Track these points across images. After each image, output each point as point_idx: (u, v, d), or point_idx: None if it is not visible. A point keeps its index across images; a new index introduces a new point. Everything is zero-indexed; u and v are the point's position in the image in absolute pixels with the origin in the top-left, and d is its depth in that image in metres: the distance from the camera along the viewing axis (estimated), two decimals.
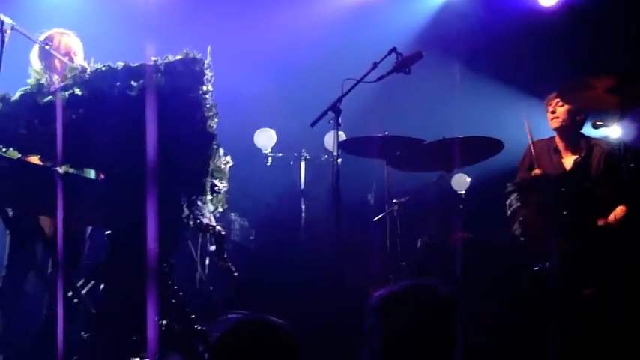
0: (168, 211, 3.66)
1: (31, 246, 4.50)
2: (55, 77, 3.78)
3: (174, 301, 3.80)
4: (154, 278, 3.49)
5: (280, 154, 6.91)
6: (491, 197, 5.45)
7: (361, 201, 6.89)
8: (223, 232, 4.14)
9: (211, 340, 3.42)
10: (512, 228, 4.94)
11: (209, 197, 3.96)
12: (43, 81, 3.71)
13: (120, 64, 3.70)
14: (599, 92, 4.63)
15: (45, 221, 4.08)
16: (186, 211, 3.83)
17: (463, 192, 6.04)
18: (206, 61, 3.77)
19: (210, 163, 3.82)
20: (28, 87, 3.69)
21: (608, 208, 4.87)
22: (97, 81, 3.67)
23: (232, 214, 6.55)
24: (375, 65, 4.71)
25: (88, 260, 4.96)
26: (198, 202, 3.92)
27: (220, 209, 4.12)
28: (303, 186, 6.88)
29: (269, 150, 6.81)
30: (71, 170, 3.74)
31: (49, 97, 3.64)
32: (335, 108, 4.68)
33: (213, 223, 4.06)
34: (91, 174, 4.25)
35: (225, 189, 4.04)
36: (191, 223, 3.86)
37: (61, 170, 3.62)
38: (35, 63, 4.84)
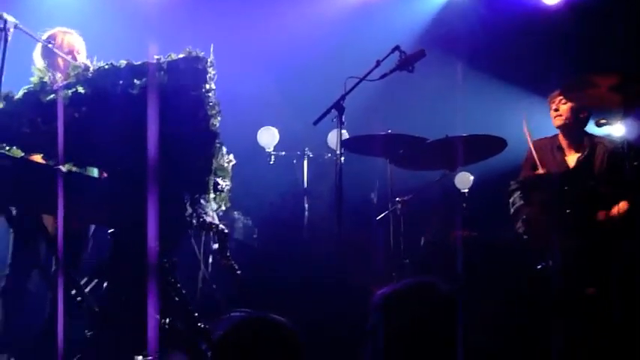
0: (171, 210, 3.66)
1: (34, 244, 4.51)
2: (58, 76, 3.78)
3: (177, 299, 3.80)
4: (156, 276, 3.50)
5: (283, 153, 6.91)
6: (495, 195, 5.44)
7: (364, 199, 6.89)
8: (226, 231, 4.14)
9: (214, 339, 3.42)
10: (515, 226, 4.93)
11: (212, 195, 3.96)
12: (46, 79, 3.70)
13: (123, 63, 3.70)
14: (603, 90, 4.62)
15: (48, 220, 4.08)
16: (190, 210, 3.82)
17: (466, 190, 6.04)
18: (209, 60, 3.76)
19: (213, 161, 3.81)
20: (31, 85, 3.69)
21: (611, 206, 4.86)
22: (99, 79, 3.67)
23: (235, 212, 6.55)
24: (378, 63, 4.71)
25: (92, 259, 4.96)
26: (202, 201, 3.92)
27: (223, 207, 4.12)
28: (306, 184, 6.88)
29: (272, 148, 6.82)
30: (74, 169, 3.74)
31: (52, 96, 3.64)
32: (338, 106, 4.68)
33: (217, 221, 4.06)
34: (94, 172, 4.26)
35: (228, 187, 4.04)
36: (194, 221, 3.86)
37: (63, 169, 3.62)
38: (38, 61, 4.85)
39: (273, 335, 2.41)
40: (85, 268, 4.73)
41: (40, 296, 4.68)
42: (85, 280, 4.02)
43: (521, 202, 4.88)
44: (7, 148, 3.65)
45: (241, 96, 6.41)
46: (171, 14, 7.22)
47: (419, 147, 5.48)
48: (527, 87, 7.09)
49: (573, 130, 5.44)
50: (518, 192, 4.95)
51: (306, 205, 6.83)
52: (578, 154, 5.40)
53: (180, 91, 3.69)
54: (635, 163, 4.55)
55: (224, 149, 3.96)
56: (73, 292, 3.79)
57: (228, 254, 4.14)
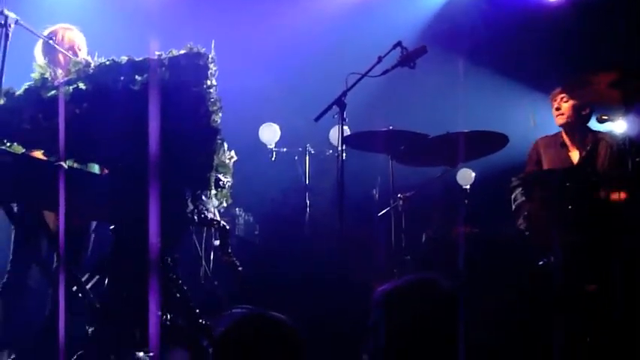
0: (173, 206, 3.65)
1: (35, 241, 4.51)
2: (59, 72, 3.77)
3: (178, 295, 3.80)
4: (158, 273, 3.49)
5: (285, 149, 6.92)
6: (496, 192, 5.44)
7: (366, 195, 6.89)
8: (228, 227, 4.13)
9: (215, 335, 3.42)
10: (516, 222, 4.93)
11: (213, 192, 3.95)
12: (47, 75, 3.69)
13: (124, 59, 3.69)
14: (602, 87, 4.62)
15: (49, 216, 4.08)
16: (191, 206, 3.82)
17: (468, 187, 6.04)
18: (210, 56, 3.75)
19: (215, 157, 3.80)
20: (32, 82, 3.69)
21: (613, 202, 4.85)
22: (100, 75, 3.66)
23: (237, 208, 6.56)
24: (380, 59, 4.71)
25: (94, 255, 4.96)
26: (203, 197, 3.91)
27: (225, 204, 4.11)
28: (307, 181, 6.89)
29: (273, 145, 6.82)
30: (75, 165, 3.74)
31: (53, 92, 3.63)
32: (339, 102, 4.68)
33: (218, 217, 4.06)
34: (95, 168, 4.25)
35: (229, 184, 4.03)
36: (195, 217, 3.85)
37: (65, 165, 3.62)
38: (39, 58, 4.85)
39: (273, 332, 2.41)
40: (87, 264, 4.73)
41: (41, 293, 4.68)
42: (87, 276, 4.02)
43: (523, 198, 4.88)
44: (8, 144, 3.64)
45: (243, 92, 6.41)
46: (173, 10, 7.22)
47: (420, 143, 5.48)
48: (529, 83, 7.09)
49: (576, 127, 5.45)
50: (520, 188, 4.94)
51: (308, 202, 6.84)
52: (582, 151, 5.40)
53: (181, 87, 3.68)
54: (637, 159, 4.54)
55: (225, 145, 3.95)
56: (74, 288, 3.79)
57: (229, 250, 4.14)
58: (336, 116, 4.72)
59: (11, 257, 4.72)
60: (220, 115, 3.78)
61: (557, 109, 5.49)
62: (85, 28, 5.16)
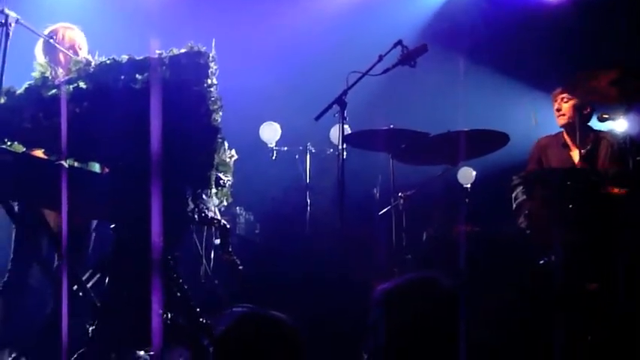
0: (173, 205, 3.65)
1: (36, 240, 4.50)
2: (60, 71, 3.77)
3: (179, 294, 3.80)
4: (158, 272, 3.49)
5: (285, 148, 6.92)
6: (497, 190, 5.43)
7: (366, 194, 6.89)
8: (228, 226, 4.14)
9: (216, 334, 3.42)
10: (517, 221, 4.93)
11: (214, 191, 3.95)
12: (47, 75, 3.70)
13: (124, 58, 3.70)
14: (603, 85, 4.62)
15: (50, 215, 4.08)
16: (191, 205, 3.82)
17: (469, 185, 6.04)
18: (211, 54, 3.76)
19: (215, 156, 3.81)
20: (33, 81, 3.69)
21: (614, 201, 4.85)
22: (101, 74, 3.66)
23: (237, 207, 6.56)
24: (381, 58, 4.71)
25: (95, 254, 4.97)
26: (203, 196, 3.92)
27: (225, 203, 4.12)
28: (308, 179, 6.89)
29: (274, 143, 6.82)
30: (76, 164, 3.74)
31: (54, 91, 3.64)
32: (340, 101, 4.68)
33: (218, 216, 4.06)
34: (96, 167, 4.25)
35: (230, 182, 4.03)
36: (196, 216, 3.86)
37: (65, 164, 3.62)
38: (40, 57, 4.84)
39: (274, 331, 2.41)
40: (88, 263, 4.73)
41: (41, 292, 4.68)
42: (88, 274, 4.03)
43: (524, 197, 4.87)
44: (9, 143, 3.65)
45: (243, 91, 6.40)
46: (173, 9, 7.22)
47: (421, 142, 5.47)
48: (530, 82, 7.09)
49: (577, 127, 5.44)
50: (521, 187, 4.94)
51: (309, 201, 6.84)
52: (583, 150, 5.40)
53: (182, 86, 3.68)
54: (638, 158, 4.54)
55: (226, 144, 3.96)
56: (75, 287, 3.79)
57: (230, 249, 4.14)
58: (336, 115, 4.72)
59: (12, 256, 4.72)
60: (221, 113, 3.78)
61: (558, 109, 5.50)
62: (85, 27, 5.16)
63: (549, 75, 6.50)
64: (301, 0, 7.48)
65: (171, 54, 3.71)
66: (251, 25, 7.29)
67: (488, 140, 5.34)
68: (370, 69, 4.70)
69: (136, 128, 3.55)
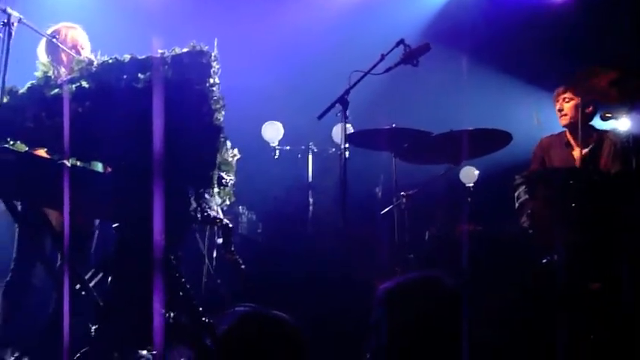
0: (176, 204, 3.65)
1: (38, 239, 4.51)
2: (62, 70, 3.78)
3: (181, 293, 3.80)
4: (161, 271, 3.49)
5: (288, 147, 6.91)
6: (500, 190, 5.43)
7: (369, 194, 6.88)
8: (231, 225, 4.14)
9: (219, 333, 3.42)
10: (520, 220, 4.92)
11: (216, 190, 3.95)
12: (50, 74, 3.70)
13: (127, 57, 3.70)
14: (603, 85, 4.62)
15: (53, 214, 4.08)
16: (194, 204, 3.82)
17: (471, 184, 6.03)
18: (213, 54, 3.76)
19: (218, 155, 3.81)
20: (36, 80, 3.69)
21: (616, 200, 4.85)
22: (103, 73, 3.66)
23: (240, 207, 6.55)
24: (383, 57, 4.71)
25: (98, 253, 4.97)
26: (206, 195, 3.91)
27: (227, 202, 4.11)
28: (310, 179, 6.88)
29: (276, 143, 6.81)
30: (78, 163, 3.74)
31: (56, 90, 3.64)
32: (342, 100, 4.67)
33: (221, 215, 4.06)
34: (99, 167, 4.26)
35: (232, 182, 4.03)
36: (198, 215, 3.86)
37: (68, 163, 3.62)
38: (42, 56, 4.85)
39: (276, 330, 2.41)
40: (91, 262, 4.74)
41: (44, 291, 4.69)
42: (90, 274, 4.03)
43: (527, 196, 4.87)
44: (12, 142, 3.65)
45: (246, 90, 6.40)
46: (175, 8, 7.22)
47: (424, 141, 5.47)
48: (532, 80, 7.08)
49: (580, 126, 5.43)
50: (524, 186, 4.93)
51: (311, 200, 6.83)
52: (586, 149, 5.40)
53: (184, 85, 3.68)
54: None
55: (228, 143, 3.95)
56: (78, 286, 3.79)
57: (232, 249, 4.14)
58: (339, 114, 4.72)
59: (15, 255, 4.72)
60: (223, 113, 3.78)
61: (560, 110, 5.50)
62: (87, 26, 5.17)
63: (553, 74, 6.49)
64: None
65: (173, 53, 3.71)
66: (253, 25, 7.29)
67: (491, 139, 5.34)
68: (372, 68, 4.70)
69: (138, 127, 3.55)
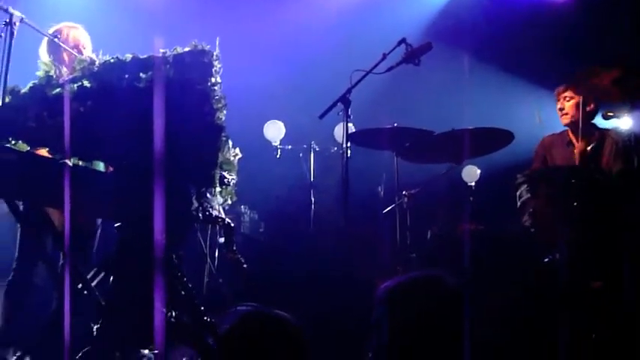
0: (177, 204, 3.65)
1: (40, 239, 4.51)
2: (64, 70, 3.77)
3: (183, 293, 3.80)
4: (162, 270, 3.49)
5: (290, 146, 6.91)
6: (501, 188, 5.43)
7: (370, 193, 6.89)
8: (232, 224, 4.14)
9: (220, 332, 3.43)
10: (522, 219, 4.92)
11: (218, 189, 3.95)
12: (52, 74, 3.70)
13: (128, 56, 3.69)
14: (605, 84, 4.62)
15: (54, 214, 4.08)
16: (196, 204, 3.82)
17: (473, 183, 6.03)
18: (215, 53, 3.75)
19: (219, 155, 3.80)
20: (37, 80, 3.69)
21: (618, 198, 4.85)
22: (105, 73, 3.66)
23: (242, 206, 6.56)
24: (385, 56, 4.70)
25: (99, 252, 4.97)
26: (208, 194, 3.91)
27: (229, 201, 4.11)
28: (312, 178, 6.88)
29: (278, 142, 6.82)
30: (80, 163, 3.74)
31: (58, 90, 3.64)
32: (344, 99, 4.67)
33: (223, 215, 4.06)
34: (100, 166, 4.26)
35: (234, 181, 4.03)
36: (200, 215, 3.86)
37: (69, 163, 3.62)
38: (44, 56, 4.85)
39: (278, 329, 2.41)
40: (93, 262, 4.74)
41: (46, 290, 4.69)
42: (92, 273, 4.03)
43: (528, 195, 4.87)
44: (13, 142, 3.65)
45: (247, 90, 6.41)
46: (177, 8, 7.23)
47: (425, 140, 5.47)
48: (534, 79, 7.07)
49: (581, 125, 5.43)
50: (525, 185, 4.93)
51: (313, 199, 6.83)
52: (588, 148, 5.39)
53: (186, 84, 3.68)
54: None
55: (230, 143, 3.95)
56: (79, 286, 3.79)
57: (234, 248, 4.13)
58: (340, 113, 4.72)
59: (17, 255, 4.73)
60: (225, 112, 3.78)
61: (561, 109, 5.49)
62: (89, 26, 5.17)
63: (554, 73, 6.49)
64: None
65: (175, 52, 3.71)
66: (255, 24, 7.29)
67: (493, 138, 5.34)
68: (374, 67, 4.70)
69: (140, 127, 3.55)
